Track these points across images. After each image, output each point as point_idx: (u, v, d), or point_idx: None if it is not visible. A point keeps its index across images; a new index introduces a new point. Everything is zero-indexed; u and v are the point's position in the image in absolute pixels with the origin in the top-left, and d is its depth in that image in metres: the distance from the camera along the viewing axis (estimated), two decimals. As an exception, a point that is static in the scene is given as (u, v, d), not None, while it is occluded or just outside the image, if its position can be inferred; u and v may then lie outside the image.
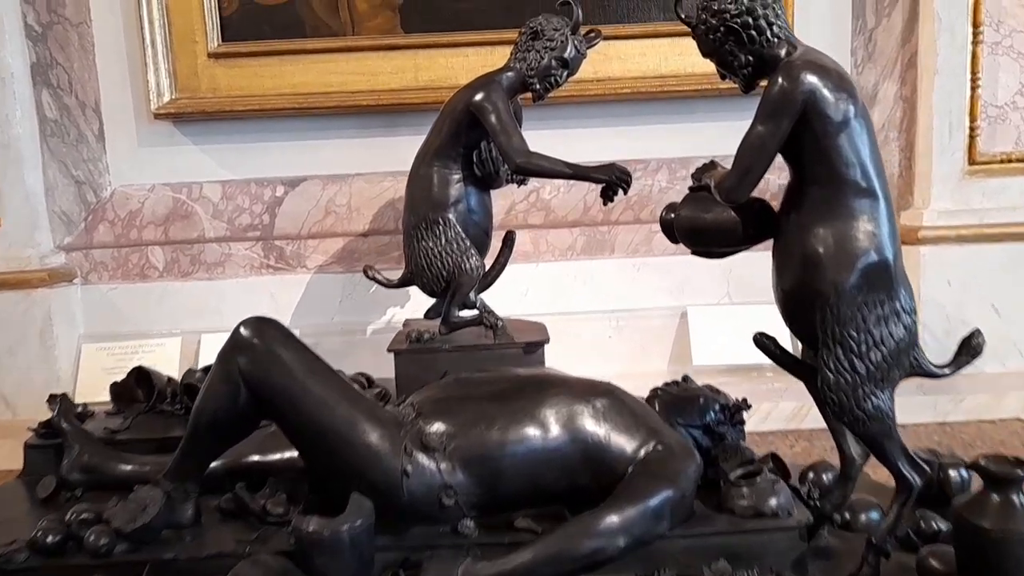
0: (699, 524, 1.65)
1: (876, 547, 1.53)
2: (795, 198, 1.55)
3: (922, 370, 1.54)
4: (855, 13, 3.04)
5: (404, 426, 1.66)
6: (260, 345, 1.61)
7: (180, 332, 3.03)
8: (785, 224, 1.57)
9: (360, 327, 3.09)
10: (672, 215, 1.74)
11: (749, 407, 1.99)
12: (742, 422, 1.95)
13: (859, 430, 1.51)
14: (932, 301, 2.95)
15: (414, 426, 1.66)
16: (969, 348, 1.56)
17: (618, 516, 1.55)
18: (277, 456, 1.87)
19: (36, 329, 2.86)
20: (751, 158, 1.51)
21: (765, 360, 1.65)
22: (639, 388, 2.92)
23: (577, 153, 2.64)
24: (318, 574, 1.47)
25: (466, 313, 2.27)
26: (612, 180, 2.05)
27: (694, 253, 1.80)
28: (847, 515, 1.76)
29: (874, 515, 1.74)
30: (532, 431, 1.67)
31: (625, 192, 2.10)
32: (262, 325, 1.65)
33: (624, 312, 3.16)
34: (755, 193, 1.59)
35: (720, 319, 3.11)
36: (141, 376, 2.30)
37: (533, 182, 3.10)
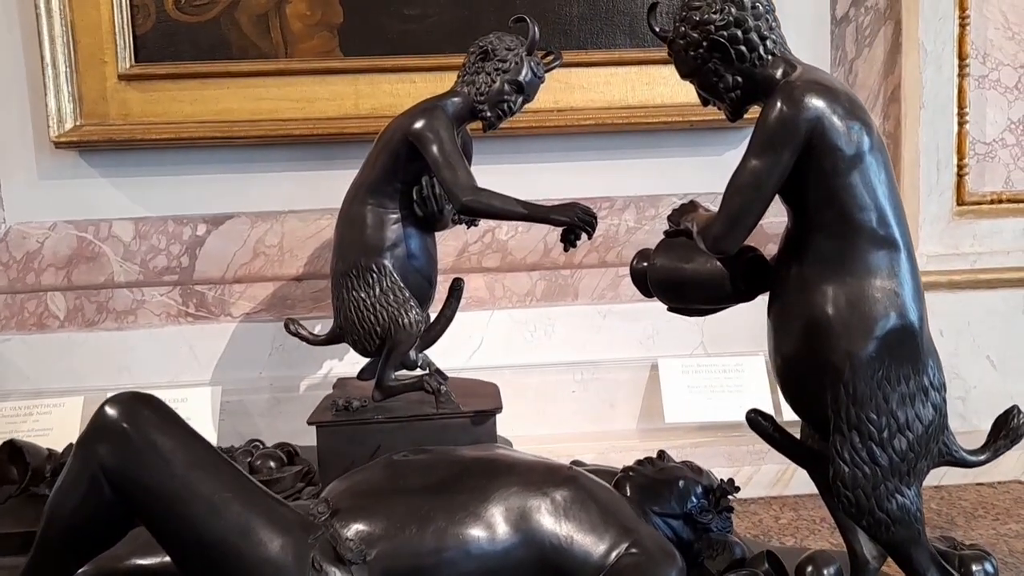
0: (683, 649, 1.33)
1: None
2: (797, 248, 1.27)
3: (953, 458, 1.27)
4: (834, 43, 2.84)
5: (313, 531, 1.32)
6: (129, 431, 1.26)
7: (83, 390, 2.62)
8: (785, 280, 1.29)
9: (292, 383, 2.74)
10: (645, 263, 1.45)
11: (737, 490, 1.68)
12: (729, 509, 1.65)
13: (882, 536, 1.22)
14: (923, 353, 2.71)
15: (327, 529, 1.32)
16: (1008, 429, 1.29)
17: (583, 648, 1.23)
18: (162, 559, 1.50)
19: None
20: (744, 199, 1.24)
21: (741, 417, 1.37)
22: (605, 451, 2.62)
23: (536, 190, 2.37)
24: None
25: (406, 374, 1.95)
26: (574, 222, 1.76)
27: (670, 309, 1.51)
28: (860, 627, 1.46)
29: (891, 625, 1.45)
30: (476, 533, 1.35)
31: (589, 236, 1.81)
32: (133, 405, 1.30)
33: (588, 364, 2.86)
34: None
35: (694, 372, 2.83)
36: (13, 451, 1.92)
37: (487, 221, 2.82)
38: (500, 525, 1.35)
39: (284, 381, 2.73)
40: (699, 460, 2.66)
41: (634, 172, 2.81)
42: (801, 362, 1.25)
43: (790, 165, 1.20)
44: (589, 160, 2.79)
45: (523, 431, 2.64)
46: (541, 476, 1.46)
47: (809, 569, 1.64)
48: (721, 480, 1.69)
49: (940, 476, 2.65)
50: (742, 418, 1.42)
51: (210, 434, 2.61)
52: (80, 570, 1.48)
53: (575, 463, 2.07)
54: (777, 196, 1.26)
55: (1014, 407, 1.33)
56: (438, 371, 2.09)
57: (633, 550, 1.38)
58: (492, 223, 2.80)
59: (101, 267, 2.68)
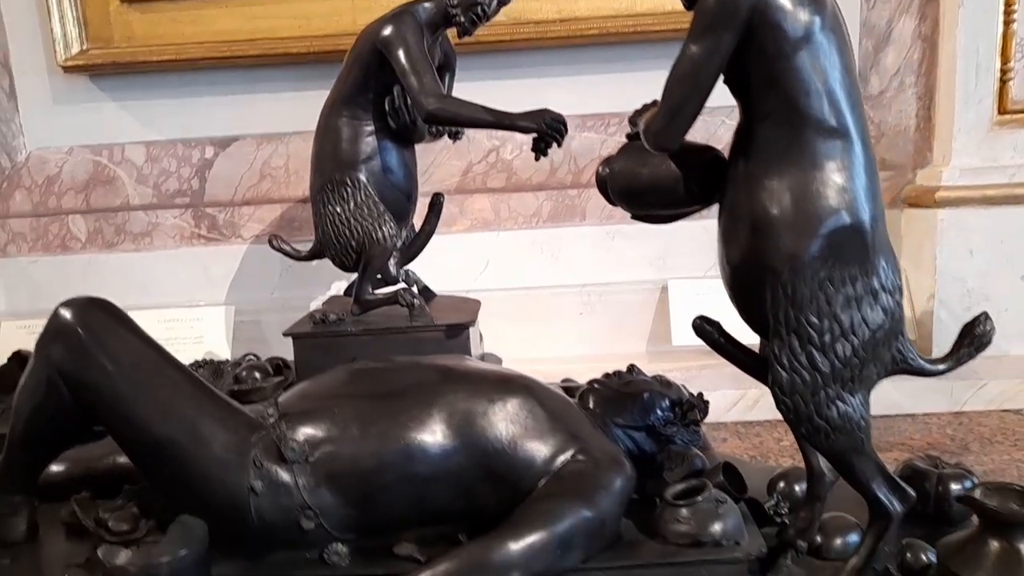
0: (623, 554, 1.32)
1: (843, 593, 1.20)
2: (744, 142, 1.19)
3: (909, 367, 1.19)
4: (864, -64, 2.62)
5: (258, 431, 1.35)
6: (82, 333, 1.30)
7: (107, 309, 2.76)
8: (733, 177, 1.21)
9: (302, 303, 2.78)
10: (607, 170, 1.39)
11: (706, 404, 1.64)
12: (696, 422, 1.61)
13: (821, 444, 1.16)
14: (950, 274, 2.55)
15: (274, 432, 1.35)
16: (973, 337, 1.20)
17: (515, 545, 1.23)
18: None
19: (-58, 303, 2.62)
20: (683, 90, 1.15)
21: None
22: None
23: (539, 106, 2.29)
24: (129, 619, 1.18)
25: (389, 290, 1.95)
26: (542, 129, 1.69)
27: (633, 217, 1.45)
28: (819, 538, 1.42)
29: (853, 538, 1.39)
30: (418, 436, 1.35)
31: (559, 144, 1.74)
32: (88, 307, 1.34)
33: (596, 286, 2.81)
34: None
35: (705, 294, 2.75)
36: (22, 361, 2.02)
37: (493, 139, 2.76)
38: (443, 429, 1.35)
39: (295, 301, 2.77)
40: (705, 383, 2.61)
41: (642, 85, 2.66)
42: (745, 264, 1.18)
43: (731, 49, 1.10)
44: (595, 73, 2.67)
45: (530, 354, 2.64)
46: (491, 384, 1.44)
47: (781, 485, 1.61)
48: (690, 394, 1.65)
49: (962, 402, 2.54)
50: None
51: (224, 352, 2.71)
52: (57, 468, 1.58)
53: (565, 380, 2.05)
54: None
55: (982, 313, 1.23)
56: (425, 288, 2.09)
57: (580, 457, 1.37)
58: (497, 140, 2.74)
59: (116, 190, 2.76)
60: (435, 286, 2.17)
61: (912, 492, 1.19)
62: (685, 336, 2.82)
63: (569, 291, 2.79)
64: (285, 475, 1.32)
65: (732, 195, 1.20)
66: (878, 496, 1.17)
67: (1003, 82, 2.54)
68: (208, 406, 1.34)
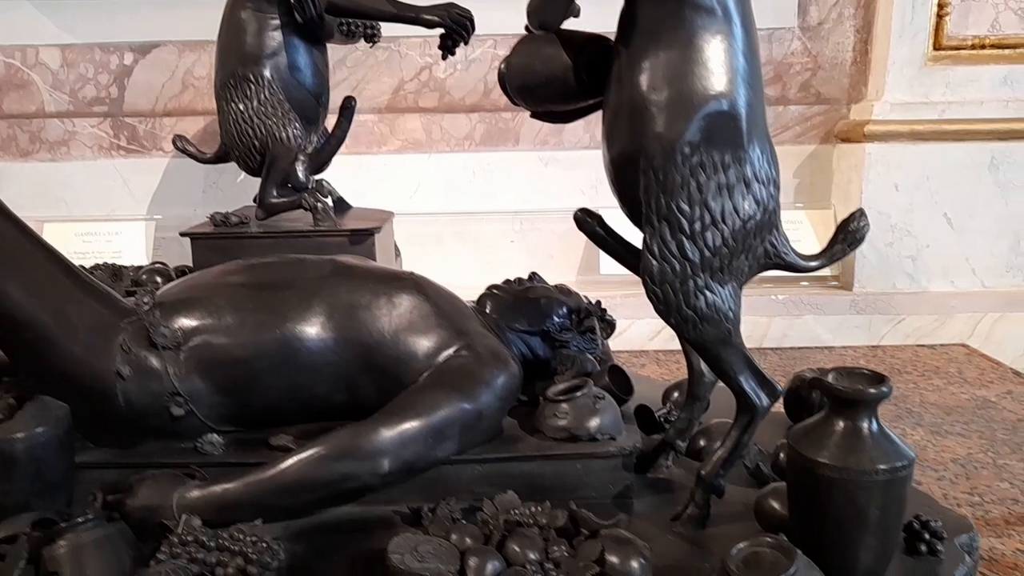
0: (499, 448, 1.32)
1: (705, 482, 1.21)
2: (626, 26, 1.15)
3: (782, 260, 1.18)
4: None
5: (129, 317, 1.31)
6: (-62, 206, 1.24)
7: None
8: (616, 65, 1.18)
9: (227, 221, 2.73)
10: (504, 66, 1.34)
11: (603, 312, 1.63)
12: (592, 330, 1.60)
13: (689, 334, 1.15)
14: (875, 208, 2.56)
15: (146, 318, 1.31)
16: (847, 233, 1.19)
17: (387, 433, 1.21)
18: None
19: None
20: (560, -36, 1.11)
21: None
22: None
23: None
24: (-20, 495, 1.15)
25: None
26: (446, 23, 1.64)
27: (533, 115, 1.41)
28: (701, 442, 1.43)
29: (737, 444, 1.41)
30: (296, 327, 1.32)
31: (465, 41, 1.69)
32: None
33: (528, 213, 2.78)
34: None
35: (630, 224, 2.74)
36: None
37: (426, 55, 2.68)
38: (322, 321, 1.32)
39: (219, 219, 2.73)
40: (630, 311, 2.63)
41: (586, 5, 2.63)
42: (624, 152, 1.15)
43: None
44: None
45: (457, 280, 2.61)
46: (377, 278, 1.41)
47: (675, 395, 1.63)
48: (588, 301, 1.64)
49: (880, 336, 2.58)
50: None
51: (144, 267, 2.64)
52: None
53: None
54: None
55: (858, 210, 1.22)
56: (340, 200, 2.05)
57: (463, 352, 1.35)
58: (430, 58, 2.67)
59: (31, 95, 2.65)
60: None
61: (779, 387, 1.20)
62: (613, 265, 2.83)
63: (501, 218, 2.77)
64: (155, 361, 1.28)
65: (614, 85, 1.17)
66: (744, 388, 1.18)
67: (940, 17, 2.52)
68: (74, 288, 1.30)
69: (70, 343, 1.26)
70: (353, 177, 2.46)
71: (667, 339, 2.64)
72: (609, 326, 1.77)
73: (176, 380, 1.28)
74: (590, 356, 1.55)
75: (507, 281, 1.64)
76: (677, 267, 1.12)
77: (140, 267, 2.01)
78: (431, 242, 2.64)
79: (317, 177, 1.98)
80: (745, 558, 0.94)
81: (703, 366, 1.36)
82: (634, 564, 1.02)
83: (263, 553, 1.08)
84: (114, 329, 1.28)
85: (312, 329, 1.33)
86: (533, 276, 1.67)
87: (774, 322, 2.54)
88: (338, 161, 2.53)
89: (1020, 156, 2.53)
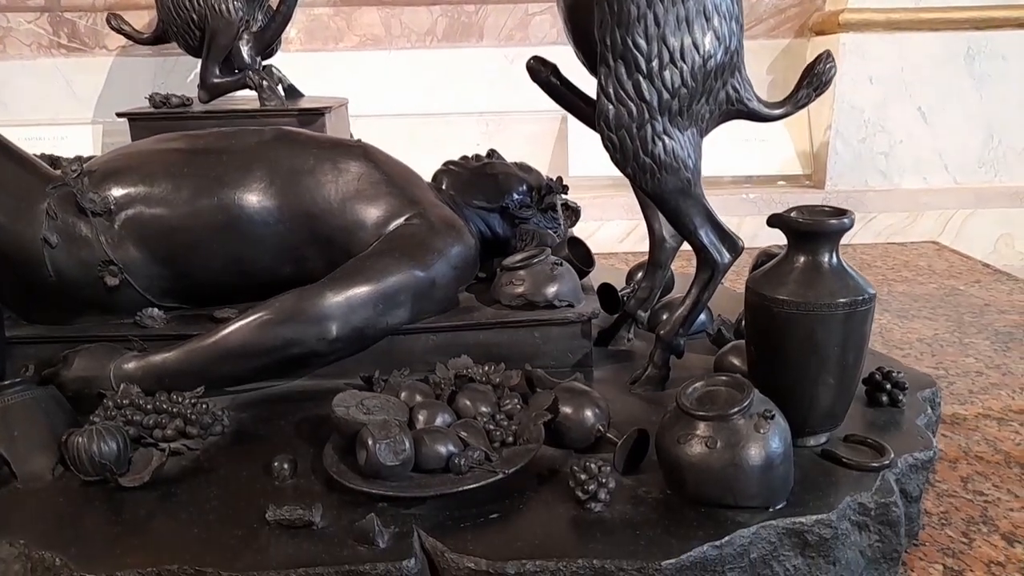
0: (453, 317, 1.27)
1: (664, 342, 1.17)
2: None
3: (744, 107, 1.11)
4: None
5: (55, 183, 1.23)
6: None
7: (-43, 125, 2.53)
8: None
9: (177, 124, 2.61)
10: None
11: (565, 189, 1.57)
12: (553, 207, 1.54)
13: (647, 184, 1.10)
14: (848, 103, 2.50)
15: (74, 185, 1.23)
16: (813, 76, 1.13)
17: (334, 297, 1.16)
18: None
19: None
20: None
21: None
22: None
23: None
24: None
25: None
26: None
27: None
28: (663, 315, 1.39)
29: (701, 318, 1.37)
30: (235, 193, 1.25)
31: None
32: None
33: (494, 115, 2.69)
34: None
35: (605, 123, 2.65)
36: None
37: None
38: (263, 187, 1.25)
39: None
40: (598, 211, 2.58)
41: None
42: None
43: None
44: None
45: (423, 182, 2.53)
46: (322, 144, 1.34)
47: (639, 275, 1.58)
48: (548, 179, 1.57)
49: (851, 236, 2.54)
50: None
51: (92, 172, 2.52)
52: None
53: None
54: None
55: (824, 51, 1.16)
56: (291, 87, 1.94)
57: (415, 220, 1.29)
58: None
59: (-41, -12, 2.48)
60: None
61: (741, 241, 1.15)
62: (582, 166, 2.76)
63: (465, 118, 2.67)
64: (84, 228, 1.21)
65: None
66: (704, 243, 1.13)
67: None
68: (-5, 152, 1.21)
69: (-11, 208, 1.18)
70: (309, 76, 2.34)
71: (636, 240, 2.60)
72: (573, 213, 1.70)
73: (108, 248, 1.21)
74: (551, 233, 1.50)
75: (464, 157, 1.57)
76: (634, 110, 1.05)
77: (80, 157, 1.89)
78: (392, 145, 2.53)
79: (265, 63, 1.87)
80: (699, 397, 0.91)
81: (665, 232, 1.32)
82: (588, 413, 0.99)
83: (203, 414, 1.04)
84: (38, 194, 1.20)
85: (252, 195, 1.25)
86: (492, 153, 1.60)
87: (745, 221, 2.49)
88: (292, 59, 2.41)
89: (996, 46, 2.46)
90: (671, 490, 0.90)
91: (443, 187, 1.49)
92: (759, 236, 2.53)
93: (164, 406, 1.03)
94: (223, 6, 1.67)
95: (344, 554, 0.80)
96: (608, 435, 0.98)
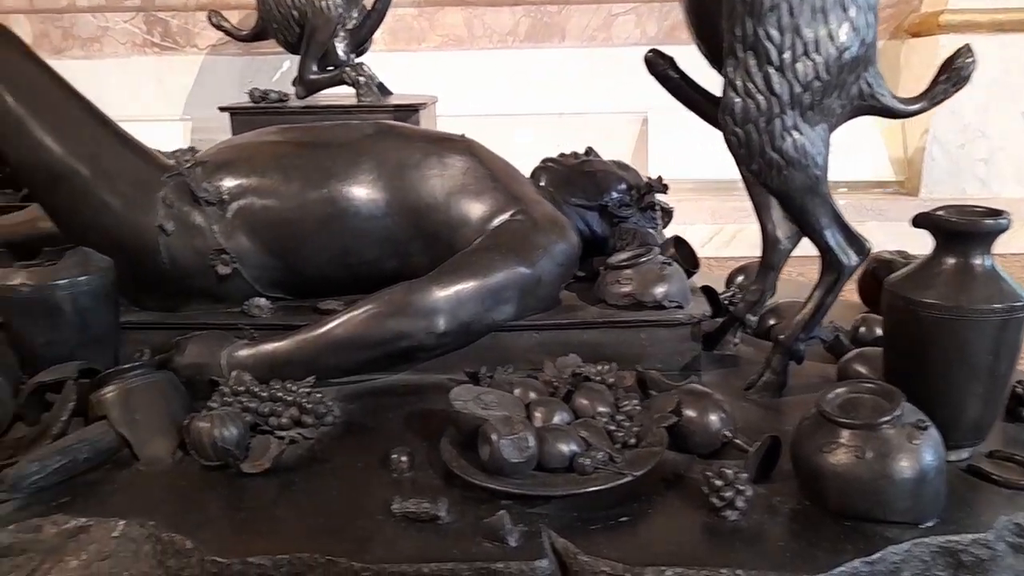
0: (557, 315, 1.25)
1: (784, 346, 1.12)
2: None
3: (877, 103, 1.06)
4: None
5: (170, 172, 1.24)
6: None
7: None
8: None
9: (262, 121, 2.66)
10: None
11: (665, 188, 1.53)
12: (652, 206, 1.51)
13: (773, 181, 1.06)
14: (946, 105, 2.36)
15: (188, 175, 1.24)
16: (952, 71, 1.07)
17: (442, 291, 1.15)
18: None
19: None
20: None
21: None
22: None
23: None
24: (24, 344, 1.11)
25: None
26: None
27: None
28: (771, 320, 1.34)
29: (808, 324, 1.31)
30: (343, 186, 1.25)
31: None
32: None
33: (573, 115, 2.66)
34: None
35: (688, 125, 2.59)
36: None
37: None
38: (371, 179, 1.25)
39: (255, 120, 2.65)
40: (682, 217, 2.52)
41: None
42: (705, -20, 1.05)
43: None
44: None
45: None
46: (428, 139, 1.33)
47: (740, 278, 1.53)
48: (649, 178, 1.54)
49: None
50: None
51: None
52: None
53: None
54: None
55: (965, 46, 1.10)
56: (381, 84, 1.95)
57: (519, 217, 1.27)
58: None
59: (61, -11, 2.57)
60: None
61: (869, 244, 1.10)
62: (662, 168, 2.70)
63: (544, 119, 2.65)
64: (198, 217, 1.22)
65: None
66: (830, 244, 1.08)
67: None
68: (113, 140, 1.24)
69: (109, 195, 1.20)
70: (392, 75, 2.35)
71: (720, 245, 2.55)
72: (666, 214, 1.66)
73: (221, 237, 1.22)
74: (652, 232, 1.47)
75: (561, 154, 1.55)
76: (763, 103, 1.01)
77: (192, 147, 1.94)
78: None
79: (357, 60, 1.89)
80: (841, 404, 0.86)
81: (779, 233, 1.26)
82: (712, 417, 0.95)
83: (317, 404, 1.03)
84: (155, 183, 1.22)
85: (360, 188, 1.25)
86: (589, 151, 1.57)
87: (832, 228, 2.42)
88: (375, 59, 2.43)
89: (1109, 49, 2.34)
90: (809, 500, 0.85)
91: (541, 183, 1.47)
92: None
93: (279, 394, 1.03)
94: (323, 3, 1.69)
95: (475, 551, 0.78)
96: (736, 441, 0.94)
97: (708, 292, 1.40)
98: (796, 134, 1.03)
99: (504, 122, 2.67)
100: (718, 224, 2.48)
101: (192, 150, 1.32)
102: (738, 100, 1.02)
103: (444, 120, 2.37)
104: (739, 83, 1.02)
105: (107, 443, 0.97)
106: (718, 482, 0.83)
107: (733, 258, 2.54)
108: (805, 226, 1.09)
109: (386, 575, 0.76)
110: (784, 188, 1.06)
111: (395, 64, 2.52)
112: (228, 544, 0.81)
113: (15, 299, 1.09)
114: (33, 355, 1.10)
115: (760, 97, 1.01)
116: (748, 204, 2.77)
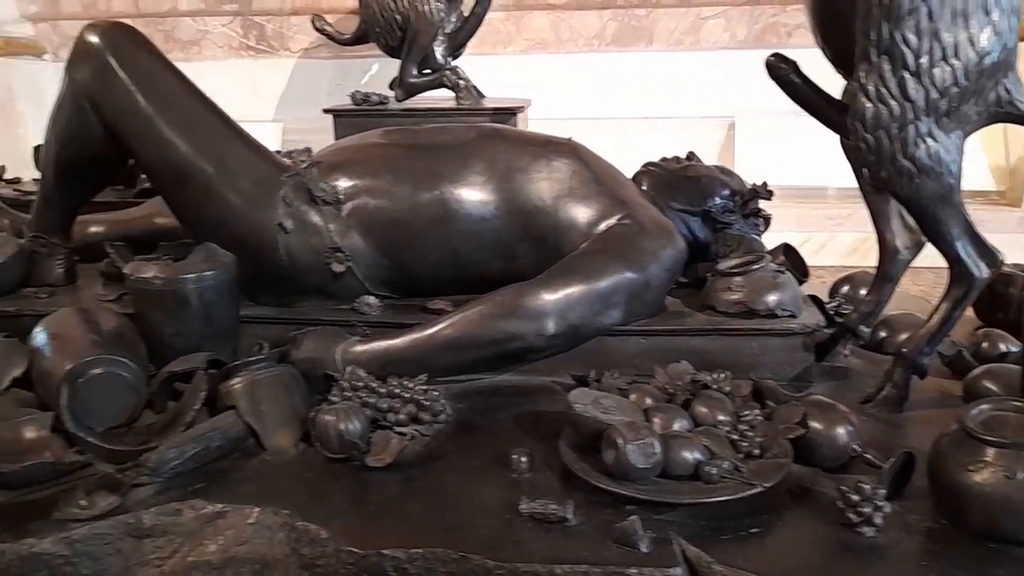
0: (665, 321, 1.24)
1: (908, 359, 1.09)
2: None
3: (1016, 109, 1.02)
4: None
5: (288, 171, 1.28)
6: (107, 54, 1.23)
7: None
8: None
9: (351, 123, 2.71)
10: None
11: (770, 194, 1.51)
12: (757, 212, 1.48)
13: (903, 189, 1.02)
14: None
15: (305, 175, 1.28)
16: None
17: (551, 294, 1.15)
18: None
19: (-4, 103, 2.62)
20: None
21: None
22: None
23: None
24: (154, 334, 1.16)
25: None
26: None
27: None
28: (883, 333, 1.31)
29: (921, 338, 1.27)
30: (454, 187, 1.27)
31: None
32: (114, 29, 1.27)
33: (660, 120, 2.64)
34: None
35: (776, 131, 2.55)
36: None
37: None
38: (481, 181, 1.26)
39: (343, 121, 2.71)
40: (778, 225, 2.48)
41: None
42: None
43: None
44: None
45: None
46: (534, 141, 1.34)
47: (845, 288, 1.50)
48: (754, 184, 1.51)
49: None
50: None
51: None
52: (96, 229, 1.56)
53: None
54: None
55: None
56: (475, 87, 1.97)
57: (626, 221, 1.27)
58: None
59: (165, -6, 2.68)
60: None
61: (1002, 256, 1.06)
62: (749, 175, 2.66)
63: (629, 123, 2.64)
64: (316, 217, 1.26)
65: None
66: (961, 255, 1.04)
67: None
68: (236, 139, 1.28)
69: (232, 193, 1.24)
70: (476, 79, 2.37)
71: (808, 254, 2.46)
72: (764, 221, 1.64)
73: (336, 236, 1.26)
74: (758, 239, 1.44)
75: (663, 159, 1.54)
76: (896, 109, 0.98)
77: (307, 148, 2.00)
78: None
79: (453, 64, 1.91)
80: (985, 421, 0.83)
81: (899, 243, 1.23)
82: (840, 430, 0.93)
83: (434, 402, 1.05)
84: (275, 182, 1.26)
85: (470, 191, 1.27)
86: (691, 156, 1.55)
87: (929, 238, 2.34)
88: (461, 62, 2.46)
89: None
90: (947, 519, 0.82)
91: (643, 188, 1.46)
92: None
93: (397, 391, 1.05)
94: (426, 8, 1.71)
95: (607, 555, 0.78)
96: (867, 456, 0.91)
97: (815, 302, 1.37)
98: (930, 141, 0.99)
99: (589, 126, 2.67)
100: (806, 232, 2.42)
101: (307, 150, 1.36)
102: (870, 105, 0.99)
103: (531, 123, 2.38)
104: (871, 88, 0.99)
105: (236, 432, 1.00)
106: (855, 497, 0.81)
107: (823, 267, 2.47)
108: (935, 236, 1.06)
109: (519, 574, 0.77)
110: (915, 196, 1.02)
111: (482, 67, 2.53)
112: (361, 535, 0.83)
113: (148, 291, 1.15)
114: (162, 345, 1.15)
115: (893, 103, 0.98)
116: (838, 212, 2.72)
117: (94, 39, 1.25)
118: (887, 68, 0.98)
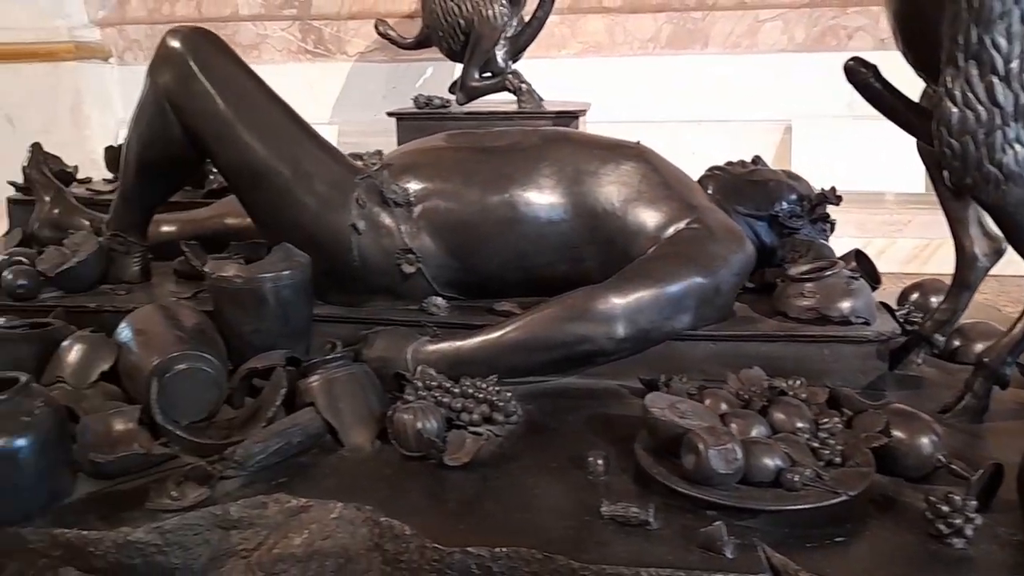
0: (735, 326, 1.23)
1: (989, 369, 1.07)
2: None
3: (1108, 115, 0.99)
4: None
5: (361, 173, 1.31)
6: (189, 58, 1.27)
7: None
8: None
9: (405, 126, 2.75)
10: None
11: (839, 199, 1.49)
12: (825, 218, 1.47)
13: (989, 196, 1.00)
14: None
15: (377, 177, 1.30)
16: None
17: (621, 298, 1.16)
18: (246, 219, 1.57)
19: (66, 106, 2.70)
20: None
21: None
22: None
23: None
24: (233, 331, 1.19)
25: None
26: None
27: None
28: (956, 342, 1.28)
29: (997, 347, 1.24)
30: (523, 193, 1.28)
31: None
32: (195, 34, 1.31)
33: (715, 123, 2.62)
34: None
35: (833, 135, 2.51)
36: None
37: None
38: (550, 184, 1.27)
39: (398, 123, 2.74)
40: (838, 230, 2.45)
41: None
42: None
43: None
44: None
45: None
46: (603, 146, 1.34)
47: (914, 296, 1.47)
48: (822, 189, 1.49)
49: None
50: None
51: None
52: (168, 228, 1.60)
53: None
54: None
55: None
56: (532, 90, 1.99)
57: (695, 225, 1.26)
58: (617, -44, 2.53)
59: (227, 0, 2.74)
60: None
61: (1090, 264, 1.03)
62: (805, 178, 2.63)
63: (685, 126, 2.62)
64: (387, 218, 1.28)
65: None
66: (1048, 263, 1.02)
67: None
68: (311, 143, 1.32)
69: (307, 195, 1.27)
70: (532, 83, 2.38)
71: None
72: (831, 226, 1.61)
73: (407, 237, 1.28)
74: (827, 244, 1.43)
75: (729, 162, 1.53)
76: (983, 114, 0.96)
77: (379, 151, 2.02)
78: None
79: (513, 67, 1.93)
80: (1081, 435, 0.81)
81: (977, 250, 1.21)
82: (924, 440, 0.92)
83: (507, 403, 1.06)
84: (349, 184, 1.29)
85: (539, 194, 1.28)
86: (757, 160, 1.54)
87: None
88: (517, 66, 2.47)
89: None
90: (1039, 534, 0.81)
91: (709, 191, 1.45)
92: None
93: (471, 391, 1.06)
94: (490, 12, 1.73)
95: (692, 559, 0.78)
96: (953, 467, 0.89)
97: (886, 309, 1.35)
98: (1018, 147, 0.97)
99: (643, 129, 2.65)
100: (866, 237, 2.37)
101: (379, 153, 1.38)
102: (956, 111, 0.97)
103: (588, 126, 2.38)
104: (958, 93, 0.97)
105: (315, 428, 1.03)
106: (944, 508, 0.80)
107: (883, 274, 2.43)
108: (1019, 243, 1.03)
109: (604, 576, 0.77)
110: (1000, 203, 1.00)
111: (536, 70, 2.53)
112: (444, 533, 0.84)
113: (228, 289, 1.18)
114: (240, 343, 1.18)
115: (980, 108, 0.96)
116: (897, 218, 2.66)
117: (176, 44, 1.29)
118: (975, 73, 0.96)
